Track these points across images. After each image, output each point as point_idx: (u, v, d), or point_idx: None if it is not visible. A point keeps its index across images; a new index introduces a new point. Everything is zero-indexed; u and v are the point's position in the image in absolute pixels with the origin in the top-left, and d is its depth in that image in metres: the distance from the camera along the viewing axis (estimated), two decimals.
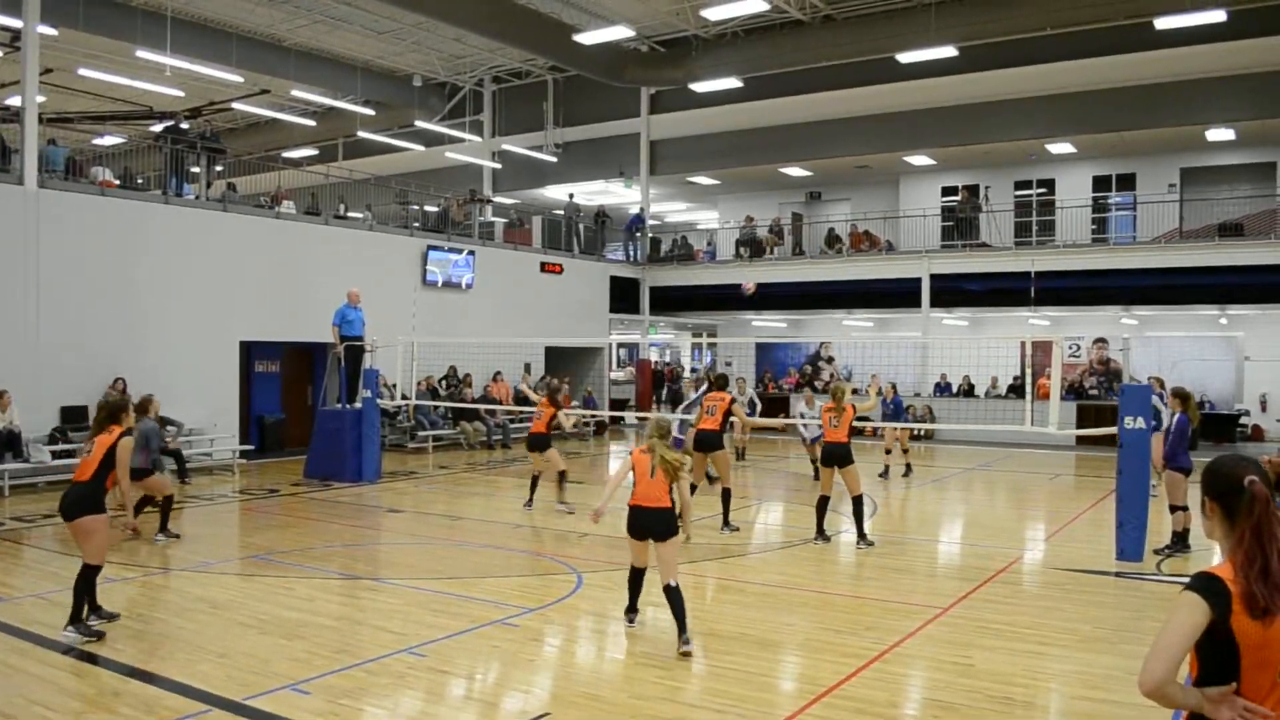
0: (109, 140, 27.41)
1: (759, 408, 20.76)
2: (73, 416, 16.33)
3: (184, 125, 20.89)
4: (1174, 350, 25.73)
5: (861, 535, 11.45)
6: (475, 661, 7.16)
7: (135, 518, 8.97)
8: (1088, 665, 7.01)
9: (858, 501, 11.43)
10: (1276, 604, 2.70)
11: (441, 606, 8.59)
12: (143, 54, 22.41)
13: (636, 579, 7.84)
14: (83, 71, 24.95)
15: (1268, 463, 14.19)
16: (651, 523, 7.42)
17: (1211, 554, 10.64)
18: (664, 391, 31.29)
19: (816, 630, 7.92)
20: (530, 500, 13.80)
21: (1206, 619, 2.69)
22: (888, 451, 17.84)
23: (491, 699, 6.52)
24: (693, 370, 34.90)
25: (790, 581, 9.64)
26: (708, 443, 12.57)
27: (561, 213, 29.91)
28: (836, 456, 11.48)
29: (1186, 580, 2.81)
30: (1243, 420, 25.18)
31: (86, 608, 7.47)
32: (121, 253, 17.21)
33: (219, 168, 20.87)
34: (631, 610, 7.99)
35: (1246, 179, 25.84)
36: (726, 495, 12.52)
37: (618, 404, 30.56)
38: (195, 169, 19.67)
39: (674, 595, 7.26)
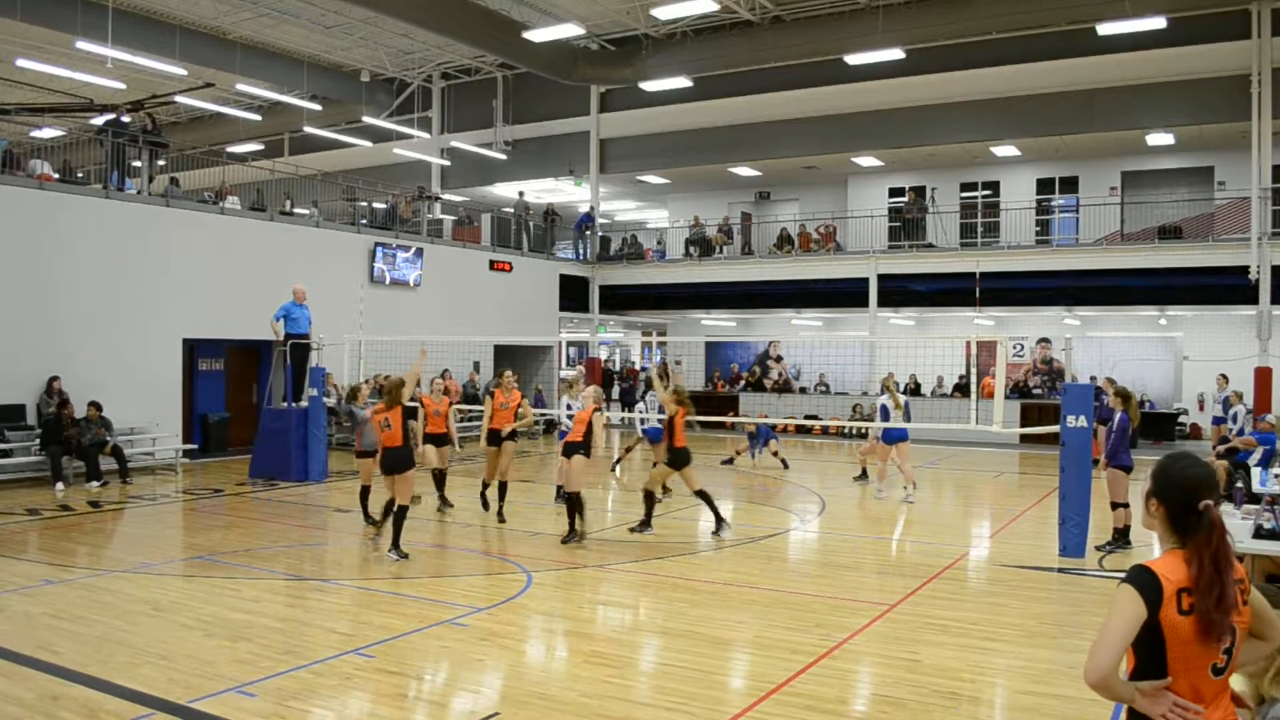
0: (48, 133, 26.77)
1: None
2: (9, 415, 15.98)
3: (125, 119, 20.46)
4: (1115, 350, 26.21)
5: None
6: (424, 662, 7.10)
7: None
8: (1032, 660, 7.11)
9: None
10: (1228, 628, 2.77)
11: (389, 607, 8.52)
12: (83, 45, 21.95)
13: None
14: (21, 63, 24.38)
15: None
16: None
17: (1152, 550, 10.86)
18: (614, 390, 31.25)
19: (765, 628, 7.96)
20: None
21: (1142, 611, 2.76)
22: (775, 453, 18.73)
23: (441, 699, 6.48)
24: (643, 369, 34.92)
25: (739, 579, 9.68)
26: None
27: (511, 210, 29.78)
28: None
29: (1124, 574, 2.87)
30: (1181, 419, 25.72)
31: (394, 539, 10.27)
32: (60, 248, 16.84)
33: (161, 162, 20.46)
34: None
35: (1185, 183, 26.36)
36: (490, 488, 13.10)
37: None
38: (137, 163, 19.30)
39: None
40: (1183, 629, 2.76)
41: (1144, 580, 2.79)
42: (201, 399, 20.54)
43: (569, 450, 11.34)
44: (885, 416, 15.04)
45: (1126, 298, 24.52)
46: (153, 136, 19.86)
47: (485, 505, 13.20)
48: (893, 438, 15.09)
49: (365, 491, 12.44)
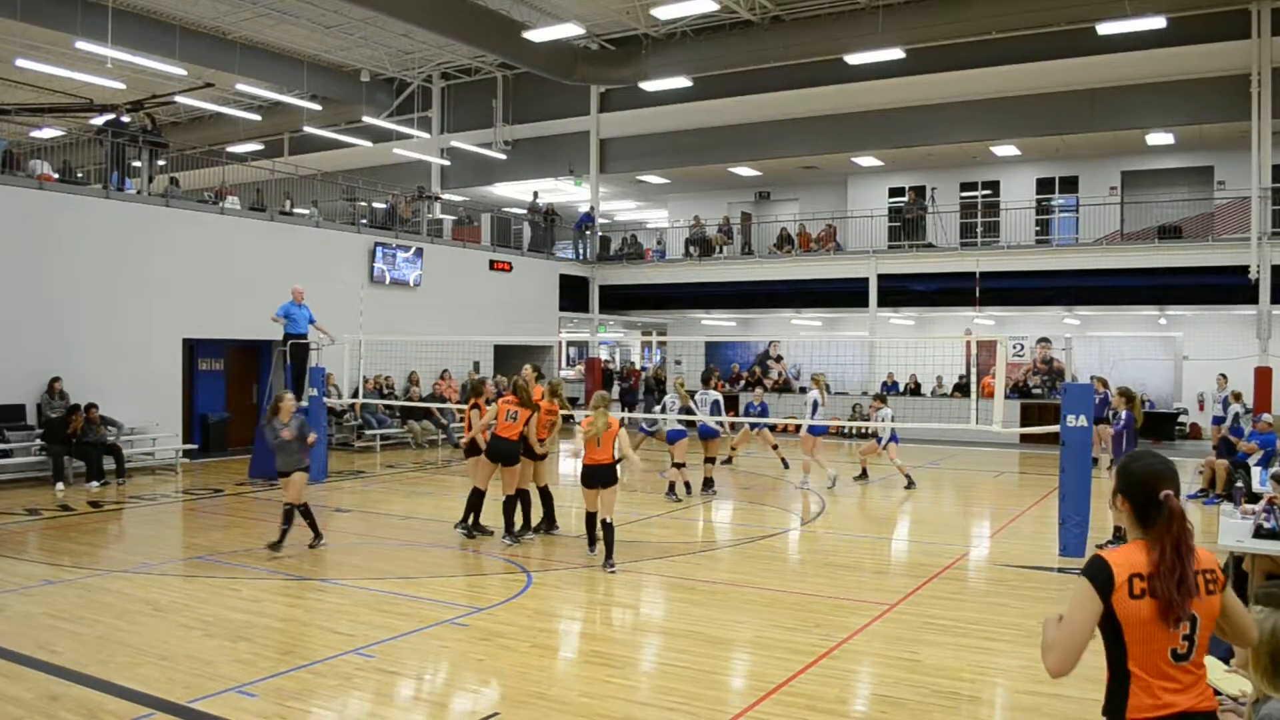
0: (48, 133, 26.77)
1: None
2: (9, 415, 15.97)
3: (125, 119, 20.46)
4: (1115, 350, 26.20)
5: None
6: (424, 662, 7.10)
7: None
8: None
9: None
10: (1187, 610, 2.89)
11: (389, 607, 8.52)
12: (83, 45, 21.95)
13: (589, 521, 10.29)
14: (20, 63, 24.36)
15: (1208, 465, 14.53)
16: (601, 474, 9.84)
17: None
18: (614, 389, 31.27)
19: (766, 627, 7.96)
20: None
21: (1098, 604, 2.91)
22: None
23: (441, 699, 6.47)
24: (642, 368, 34.94)
25: (740, 579, 9.67)
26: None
27: (519, 211, 29.78)
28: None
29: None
30: (1181, 419, 25.71)
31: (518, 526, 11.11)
32: (60, 248, 16.83)
33: (161, 162, 20.46)
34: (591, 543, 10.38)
35: (1185, 182, 26.36)
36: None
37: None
38: (137, 163, 19.30)
39: (608, 529, 9.83)
40: (1136, 612, 2.88)
41: (1095, 570, 2.94)
42: (201, 399, 20.53)
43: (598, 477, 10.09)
44: (815, 412, 15.95)
45: (1126, 298, 24.53)
46: (152, 136, 19.86)
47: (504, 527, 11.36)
48: (817, 432, 16.21)
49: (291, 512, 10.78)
